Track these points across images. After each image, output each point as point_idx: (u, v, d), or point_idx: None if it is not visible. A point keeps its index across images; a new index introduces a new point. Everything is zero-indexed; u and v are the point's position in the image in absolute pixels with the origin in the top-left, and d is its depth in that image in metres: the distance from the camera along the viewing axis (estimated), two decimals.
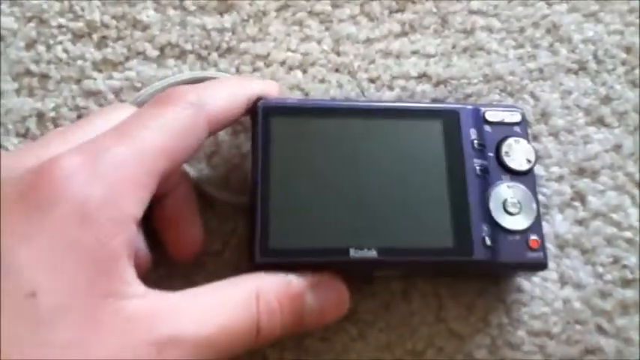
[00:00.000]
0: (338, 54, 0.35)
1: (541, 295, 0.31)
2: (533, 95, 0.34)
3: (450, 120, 0.30)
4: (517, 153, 0.30)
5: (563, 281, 0.31)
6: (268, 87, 0.30)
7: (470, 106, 0.31)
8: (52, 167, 0.22)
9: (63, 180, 0.22)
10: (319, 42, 0.35)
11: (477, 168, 0.29)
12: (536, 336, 0.30)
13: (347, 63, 0.35)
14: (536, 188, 0.30)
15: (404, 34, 0.36)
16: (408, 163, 0.29)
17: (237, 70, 0.34)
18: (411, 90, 0.34)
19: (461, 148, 0.30)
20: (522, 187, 0.30)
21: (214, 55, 0.34)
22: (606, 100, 0.34)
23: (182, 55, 0.34)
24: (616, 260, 0.31)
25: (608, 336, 0.30)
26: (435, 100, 0.34)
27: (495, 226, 0.29)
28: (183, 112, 0.25)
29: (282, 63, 0.35)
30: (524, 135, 0.31)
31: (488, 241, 0.28)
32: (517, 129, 0.31)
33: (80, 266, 0.21)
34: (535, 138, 0.33)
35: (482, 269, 0.29)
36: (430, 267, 0.29)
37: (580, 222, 0.32)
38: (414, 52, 0.35)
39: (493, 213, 0.29)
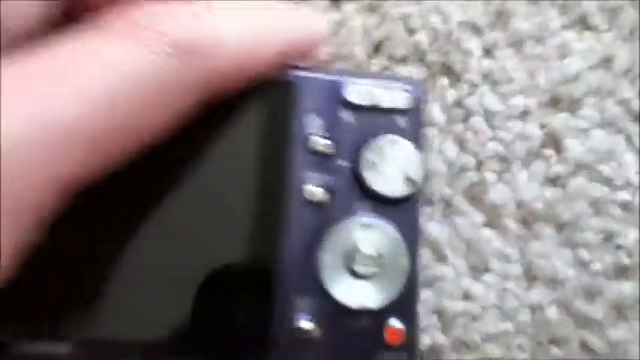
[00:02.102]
0: None
1: None
2: None
3: (273, 100, 0.17)
4: (391, 165, 0.17)
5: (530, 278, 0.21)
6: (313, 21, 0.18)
7: (324, 76, 0.18)
8: None
9: None
10: None
11: (311, 187, 0.17)
12: None
13: None
14: (418, 228, 0.18)
15: None
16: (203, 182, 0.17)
17: None
18: None
19: (285, 147, 0.17)
20: (391, 226, 0.17)
21: None
22: None
23: None
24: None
25: None
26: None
27: (325, 299, 0.16)
28: (163, 60, 0.14)
29: None
30: (413, 132, 0.18)
31: (301, 327, 0.16)
32: (400, 121, 0.18)
33: None
34: (487, 52, 0.22)
35: None
36: None
37: (554, 180, 0.21)
38: None
39: (324, 274, 0.16)
